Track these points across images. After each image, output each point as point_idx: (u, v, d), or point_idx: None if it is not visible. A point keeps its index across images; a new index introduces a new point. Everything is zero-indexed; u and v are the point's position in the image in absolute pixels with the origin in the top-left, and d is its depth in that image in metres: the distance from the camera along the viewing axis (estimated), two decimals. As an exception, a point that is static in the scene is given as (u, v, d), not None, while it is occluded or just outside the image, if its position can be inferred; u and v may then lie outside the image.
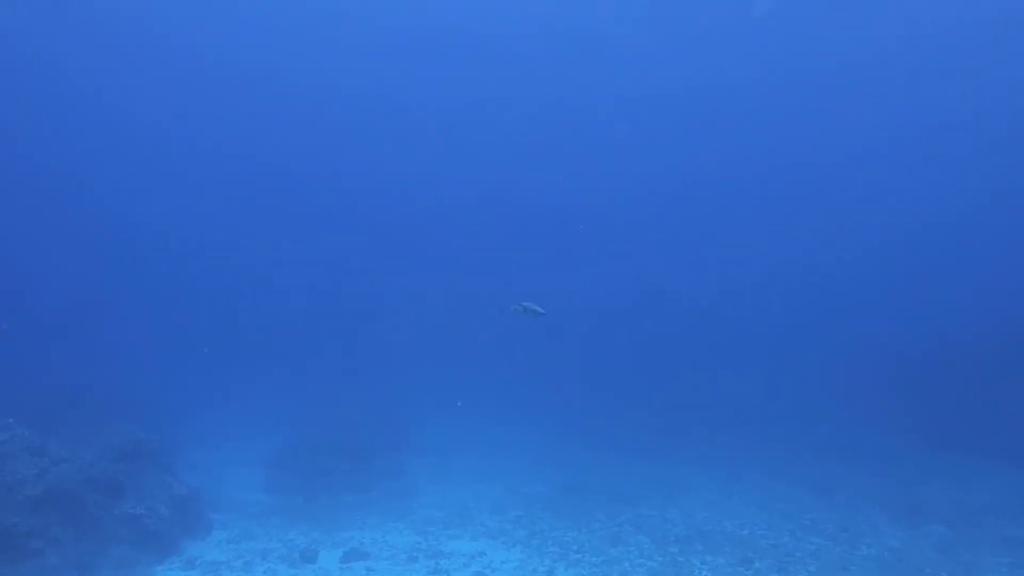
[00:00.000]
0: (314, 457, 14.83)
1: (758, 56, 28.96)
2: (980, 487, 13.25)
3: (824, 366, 23.11)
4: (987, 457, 15.02)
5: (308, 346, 29.41)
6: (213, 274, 35.10)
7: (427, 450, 17.92)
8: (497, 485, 14.91)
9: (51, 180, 32.48)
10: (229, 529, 11.64)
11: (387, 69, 30.90)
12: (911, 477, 14.20)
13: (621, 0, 26.96)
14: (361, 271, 37.40)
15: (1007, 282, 26.67)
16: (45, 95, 29.01)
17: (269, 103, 31.88)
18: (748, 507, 12.97)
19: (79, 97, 29.80)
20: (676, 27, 27.98)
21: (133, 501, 10.40)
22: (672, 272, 35.32)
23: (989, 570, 9.40)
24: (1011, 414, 15.40)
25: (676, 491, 14.16)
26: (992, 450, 15.14)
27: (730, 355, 26.99)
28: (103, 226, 34.74)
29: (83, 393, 15.97)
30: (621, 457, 17.14)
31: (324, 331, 31.63)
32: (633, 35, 28.56)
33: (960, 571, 9.41)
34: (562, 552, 10.48)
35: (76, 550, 9.22)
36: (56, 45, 26.93)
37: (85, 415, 13.70)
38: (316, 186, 36.99)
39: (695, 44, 28.70)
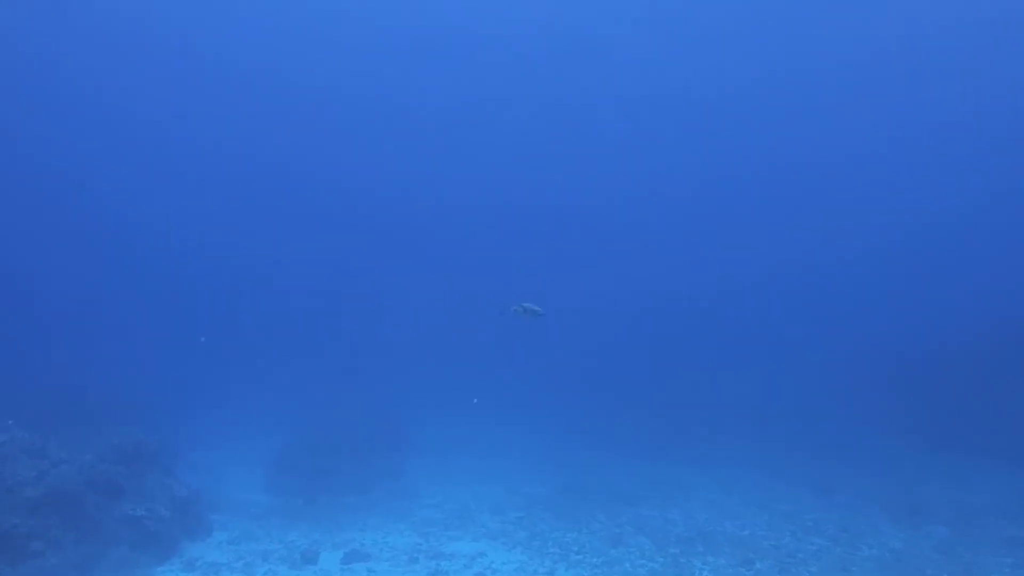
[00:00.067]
0: (314, 457, 14.82)
1: (758, 56, 28.95)
2: (980, 487, 13.26)
3: (824, 366, 23.10)
4: (987, 457, 15.01)
5: (308, 346, 29.40)
6: (213, 274, 35.09)
7: (427, 450, 17.91)
8: (497, 486, 14.91)
9: (51, 180, 32.44)
10: (229, 530, 11.63)
11: (387, 69, 30.87)
12: (911, 477, 14.21)
13: (621, 0, 26.94)
14: (361, 271, 37.40)
15: (1007, 282, 26.68)
16: (45, 95, 28.98)
17: (269, 103, 31.85)
18: (749, 507, 12.97)
19: (79, 97, 29.76)
20: (676, 27, 27.96)
21: (133, 503, 10.39)
22: (672, 272, 35.32)
23: (990, 570, 9.40)
24: (1011, 414, 15.40)
25: (676, 492, 14.16)
26: (992, 450, 15.13)
27: (730, 355, 27.00)
28: (103, 226, 34.71)
29: (83, 394, 15.93)
30: (621, 457, 17.14)
31: (324, 331, 31.62)
32: (633, 35, 28.54)
33: (961, 572, 9.41)
34: (563, 553, 10.47)
35: (76, 552, 9.21)
36: (56, 45, 26.89)
37: (85, 416, 13.65)
38: (316, 186, 36.97)
39: (695, 44, 28.69)
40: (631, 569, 9.74)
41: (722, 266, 35.60)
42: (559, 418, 20.98)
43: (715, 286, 34.15)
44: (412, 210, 37.53)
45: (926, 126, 30.76)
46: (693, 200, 36.74)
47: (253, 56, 29.54)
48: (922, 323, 23.37)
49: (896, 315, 27.46)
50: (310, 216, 37.66)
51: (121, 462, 11.11)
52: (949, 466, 14.85)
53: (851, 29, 26.73)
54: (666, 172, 35.84)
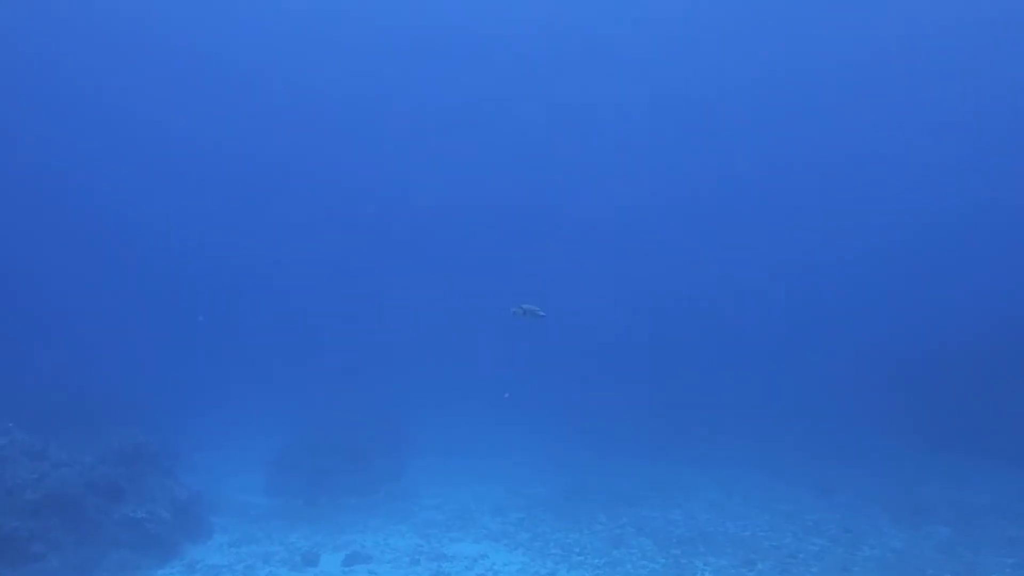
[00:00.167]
0: (315, 459, 14.80)
1: (758, 56, 28.96)
2: (981, 487, 13.25)
3: (824, 367, 23.10)
4: (987, 457, 15.01)
5: (308, 347, 29.38)
6: (213, 275, 35.05)
7: (427, 451, 17.90)
8: (498, 486, 14.90)
9: (51, 180, 32.40)
10: (230, 532, 11.61)
11: (387, 69, 30.87)
12: (912, 477, 14.20)
13: (621, 0, 26.94)
14: (361, 271, 37.37)
15: (1006, 283, 26.68)
16: (45, 95, 28.95)
17: (269, 103, 31.84)
18: (750, 508, 12.96)
19: (79, 97, 29.73)
20: (676, 27, 27.98)
21: (134, 505, 10.37)
22: (673, 272, 35.31)
23: (992, 570, 9.39)
24: (1011, 414, 15.40)
25: (677, 492, 14.16)
26: (992, 450, 15.13)
27: (731, 355, 27.00)
28: (103, 226, 34.67)
29: (83, 396, 15.91)
30: (622, 458, 17.13)
31: (324, 332, 31.60)
32: (633, 35, 28.55)
33: (963, 572, 9.40)
34: (564, 554, 10.46)
35: (77, 554, 9.19)
36: (56, 45, 26.86)
37: (85, 418, 13.63)
38: (316, 186, 36.95)
39: (695, 44, 28.70)
40: (633, 570, 9.74)
41: (722, 266, 35.60)
42: (559, 418, 20.98)
43: (715, 286, 34.15)
44: (412, 210, 37.52)
45: (926, 126, 30.79)
46: (693, 200, 36.76)
47: (253, 56, 29.53)
48: (922, 323, 23.36)
49: (896, 315, 27.45)
50: (310, 216, 37.63)
51: (121, 464, 11.09)
52: (949, 466, 14.85)
53: (851, 29, 26.75)
54: (666, 172, 35.86)
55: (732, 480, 14.94)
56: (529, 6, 27.55)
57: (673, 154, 34.71)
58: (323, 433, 16.16)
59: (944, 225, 33.34)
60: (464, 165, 35.91)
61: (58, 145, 31.37)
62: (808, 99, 30.57)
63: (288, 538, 11.34)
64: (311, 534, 11.56)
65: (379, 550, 10.78)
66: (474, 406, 21.80)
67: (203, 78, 29.79)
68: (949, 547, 10.38)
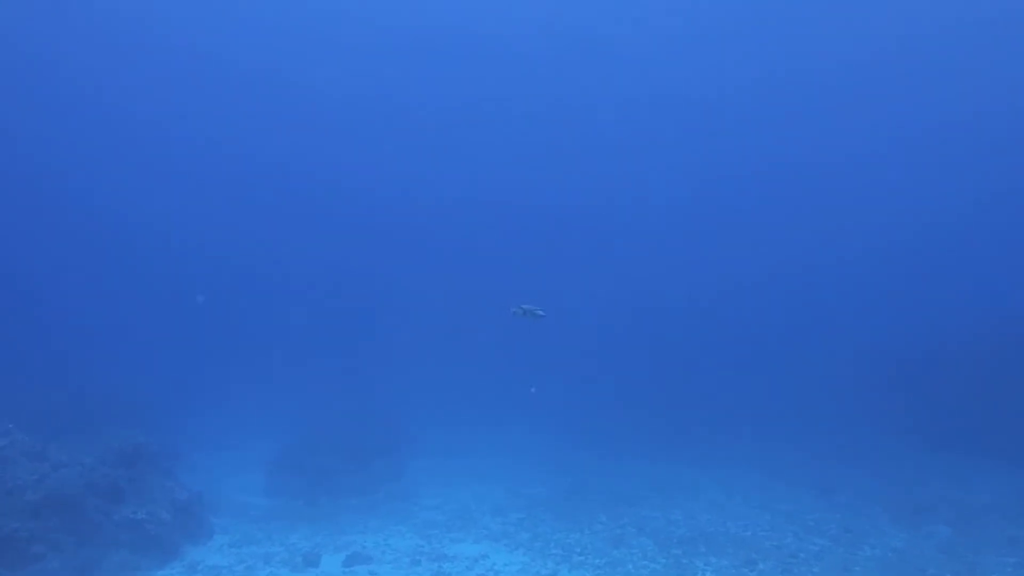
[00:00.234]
0: (315, 459, 14.79)
1: (758, 56, 28.95)
2: (981, 487, 13.25)
3: (824, 366, 23.10)
4: (987, 457, 15.01)
5: (308, 347, 29.36)
6: (213, 275, 35.01)
7: (427, 451, 17.90)
8: (498, 487, 14.90)
9: (51, 180, 32.38)
10: (230, 533, 11.60)
11: (387, 69, 30.85)
12: (912, 477, 14.20)
13: (621, 0, 26.93)
14: (361, 271, 37.35)
15: (1006, 282, 26.68)
16: (45, 95, 28.93)
17: (269, 103, 31.82)
18: (750, 508, 12.96)
19: (79, 97, 29.71)
20: (676, 27, 27.97)
21: (134, 506, 10.36)
22: (673, 272, 35.31)
23: (993, 570, 9.39)
24: (1011, 414, 15.40)
25: (678, 492, 14.15)
26: (992, 450, 15.13)
27: (731, 355, 26.99)
28: (103, 226, 34.65)
29: (83, 397, 15.90)
30: (622, 458, 17.13)
31: (324, 332, 31.58)
32: (633, 35, 28.54)
33: (964, 571, 9.40)
34: (565, 554, 10.46)
35: (77, 555, 9.18)
36: (56, 45, 26.84)
37: (85, 419, 13.61)
38: (316, 186, 36.94)
39: (695, 44, 28.69)
40: (634, 570, 9.73)
41: (722, 266, 35.61)
42: (559, 419, 20.98)
43: (715, 286, 34.15)
44: (412, 210, 37.51)
45: (926, 126, 30.79)
46: (693, 200, 36.75)
47: (253, 56, 29.51)
48: (922, 323, 23.36)
49: (896, 315, 27.46)
50: (310, 216, 37.62)
51: (121, 465, 11.08)
52: (949, 466, 14.85)
53: (851, 29, 26.74)
54: (666, 172, 35.84)
55: (732, 480, 14.93)
56: (529, 6, 27.54)
57: (673, 154, 34.70)
58: (323, 433, 16.16)
59: (944, 225, 33.34)
60: (464, 165, 35.90)
61: (58, 145, 31.35)
62: (808, 99, 30.56)
63: (288, 539, 11.34)
64: (311, 535, 11.55)
65: (380, 551, 10.77)
66: (474, 406, 21.80)
67: (203, 78, 29.77)
68: (950, 547, 10.38)
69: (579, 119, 32.84)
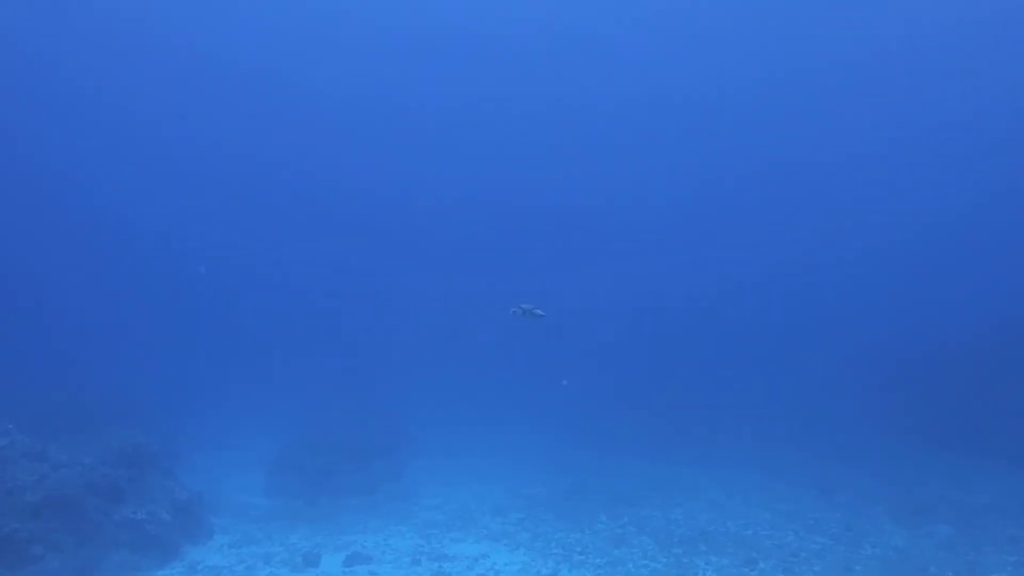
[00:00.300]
0: (315, 459, 14.79)
1: (758, 56, 28.95)
2: (981, 487, 13.24)
3: (825, 366, 23.10)
4: (987, 457, 15.00)
5: (308, 347, 29.36)
6: (213, 275, 35.01)
7: (427, 451, 17.90)
8: (498, 487, 14.89)
9: (51, 180, 32.37)
10: (230, 533, 11.60)
11: (387, 69, 30.84)
12: (912, 477, 14.20)
13: (621, 0, 26.94)
14: (361, 271, 37.36)
15: (1007, 282, 26.69)
16: (45, 95, 28.92)
17: (269, 103, 31.80)
18: (751, 507, 12.96)
19: (79, 97, 29.70)
20: (676, 27, 27.96)
21: (134, 506, 10.35)
22: (673, 272, 35.32)
23: (994, 568, 9.39)
24: (1011, 414, 15.40)
25: (678, 492, 14.15)
26: (992, 450, 15.13)
27: (731, 355, 27.00)
28: (103, 226, 34.64)
29: (82, 397, 15.90)
30: (622, 458, 17.12)
31: (324, 331, 31.59)
32: (633, 35, 28.53)
33: (965, 569, 9.40)
34: (566, 554, 10.45)
35: (77, 555, 9.18)
36: (56, 45, 26.83)
37: (84, 419, 13.61)
38: (316, 186, 36.93)
39: (695, 44, 28.68)
40: (634, 569, 9.73)
41: (722, 266, 35.62)
42: (559, 418, 20.97)
43: (715, 286, 34.16)
44: (412, 210, 37.51)
45: (926, 126, 30.79)
46: (693, 200, 36.75)
47: (253, 56, 29.49)
48: (922, 323, 23.37)
49: (896, 315, 27.47)
50: (310, 216, 37.62)
51: (121, 465, 11.07)
52: (949, 466, 14.84)
53: (851, 29, 26.74)
54: (666, 172, 35.84)
55: (732, 480, 14.93)
56: (529, 6, 27.53)
57: (673, 154, 34.69)
58: (323, 433, 16.16)
59: (944, 225, 33.36)
60: (464, 165, 35.89)
61: (58, 145, 31.34)
62: (808, 99, 30.55)
63: (289, 539, 11.33)
64: (311, 535, 11.54)
65: (380, 550, 10.77)
66: (474, 406, 21.79)
67: (203, 78, 29.76)
68: (950, 545, 10.38)
69: (579, 119, 32.83)
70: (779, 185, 35.49)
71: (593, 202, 37.36)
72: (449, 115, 33.32)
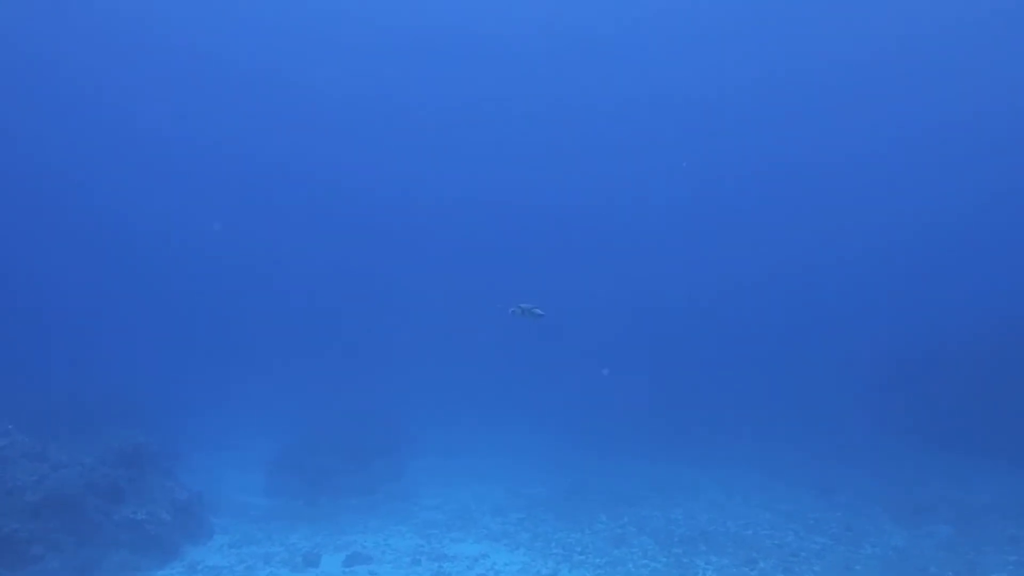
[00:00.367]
0: (315, 459, 14.79)
1: (758, 56, 28.96)
2: (981, 487, 13.24)
3: (824, 366, 23.11)
4: (987, 457, 15.00)
5: (308, 347, 29.37)
6: (213, 275, 35.04)
7: (427, 451, 17.90)
8: (498, 487, 14.89)
9: (51, 180, 32.39)
10: (230, 533, 11.59)
11: (387, 69, 30.85)
12: (912, 477, 14.20)
13: (621, 0, 26.95)
14: (361, 271, 37.37)
15: (1007, 282, 26.70)
16: (45, 95, 28.93)
17: (269, 103, 31.82)
18: (751, 507, 12.96)
19: (79, 97, 29.71)
20: (676, 27, 27.98)
21: (134, 506, 10.35)
22: (673, 272, 35.33)
23: (995, 568, 9.38)
24: (1011, 414, 15.40)
25: (678, 492, 14.15)
26: (992, 450, 15.13)
27: (731, 355, 27.01)
28: (103, 227, 34.66)
29: (82, 397, 15.90)
30: (622, 458, 17.12)
31: (324, 331, 31.60)
32: (633, 35, 28.55)
33: (965, 569, 9.39)
34: (566, 554, 10.45)
35: (77, 555, 9.17)
36: (56, 45, 26.84)
37: (85, 419, 13.61)
38: (316, 186, 36.95)
39: (695, 44, 28.70)
40: (634, 569, 9.73)
41: (722, 266, 35.63)
42: (559, 418, 20.98)
43: (715, 286, 34.17)
44: (412, 210, 37.53)
45: (926, 126, 30.80)
46: (693, 200, 36.76)
47: (253, 56, 29.51)
48: (922, 323, 23.38)
49: (896, 315, 27.48)
50: (310, 216, 37.63)
51: (121, 465, 11.07)
52: (949, 466, 14.84)
53: (851, 29, 26.75)
54: (666, 172, 35.86)
55: (732, 480, 14.93)
56: (529, 6, 27.54)
57: (673, 154, 34.70)
58: (323, 433, 16.15)
59: (944, 225, 33.36)
60: (464, 165, 35.91)
61: (58, 145, 31.36)
62: (808, 99, 30.56)
63: (289, 539, 11.33)
64: (311, 535, 11.54)
65: (380, 550, 10.77)
66: (474, 406, 21.79)
67: (203, 78, 29.77)
68: (951, 545, 10.38)
69: (579, 119, 32.84)
70: (779, 185, 35.50)
71: (593, 202, 37.37)
72: (449, 115, 33.33)
